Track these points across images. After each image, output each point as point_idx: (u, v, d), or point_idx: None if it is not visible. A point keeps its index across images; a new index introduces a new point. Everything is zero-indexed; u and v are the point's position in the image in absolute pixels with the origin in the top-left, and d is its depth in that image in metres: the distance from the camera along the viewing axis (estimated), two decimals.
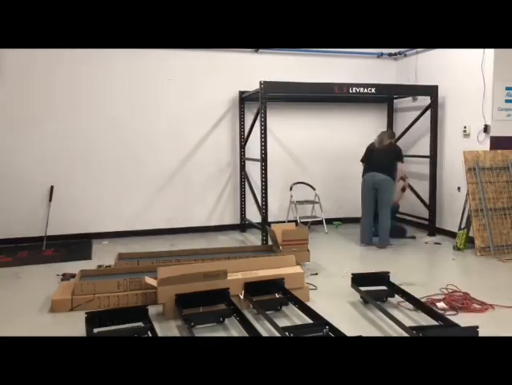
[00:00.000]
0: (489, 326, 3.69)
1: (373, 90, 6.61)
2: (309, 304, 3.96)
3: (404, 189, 6.87)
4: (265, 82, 6.20)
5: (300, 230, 5.46)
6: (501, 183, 6.07)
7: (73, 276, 4.82)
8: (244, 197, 7.46)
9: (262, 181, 6.35)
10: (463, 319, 3.79)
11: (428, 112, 6.97)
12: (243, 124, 7.35)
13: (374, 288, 4.29)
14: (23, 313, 4.05)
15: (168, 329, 3.72)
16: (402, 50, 7.74)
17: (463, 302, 4.09)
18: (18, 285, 4.90)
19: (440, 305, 4.03)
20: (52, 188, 6.65)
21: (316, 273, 5.04)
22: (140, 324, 3.58)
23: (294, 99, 7.42)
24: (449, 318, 3.81)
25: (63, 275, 4.97)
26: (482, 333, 3.41)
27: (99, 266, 5.14)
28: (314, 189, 7.45)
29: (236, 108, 7.35)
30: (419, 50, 7.37)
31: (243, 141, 7.35)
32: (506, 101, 6.13)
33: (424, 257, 5.84)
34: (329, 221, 7.48)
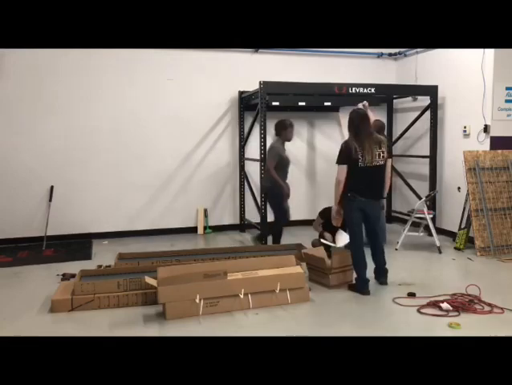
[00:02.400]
0: (490, 327, 3.70)
1: (373, 90, 6.61)
2: (309, 304, 3.95)
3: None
4: (264, 82, 6.20)
5: (346, 255, 4.74)
6: (501, 183, 6.06)
7: (73, 276, 4.82)
8: (243, 197, 7.45)
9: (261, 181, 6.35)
10: (464, 320, 3.80)
11: (428, 112, 6.96)
12: (243, 124, 7.35)
13: None
14: (23, 313, 4.05)
15: (169, 329, 3.72)
16: (402, 50, 7.74)
17: (465, 303, 4.08)
18: (18, 285, 4.89)
19: (444, 306, 4.02)
20: (52, 188, 6.64)
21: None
22: None
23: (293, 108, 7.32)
24: (451, 318, 3.82)
25: (63, 275, 4.97)
26: (483, 333, 3.42)
27: (99, 266, 5.14)
28: None
29: (235, 108, 7.35)
30: (419, 50, 7.36)
31: (243, 141, 7.35)
32: (506, 101, 6.13)
33: (424, 256, 5.83)
34: None
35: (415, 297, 4.33)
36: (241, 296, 4.04)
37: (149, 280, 4.05)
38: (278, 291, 4.16)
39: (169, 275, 3.97)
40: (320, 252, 4.83)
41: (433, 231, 6.04)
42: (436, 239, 5.99)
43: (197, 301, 3.92)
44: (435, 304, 4.09)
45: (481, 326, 3.70)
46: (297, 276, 4.28)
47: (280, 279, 4.20)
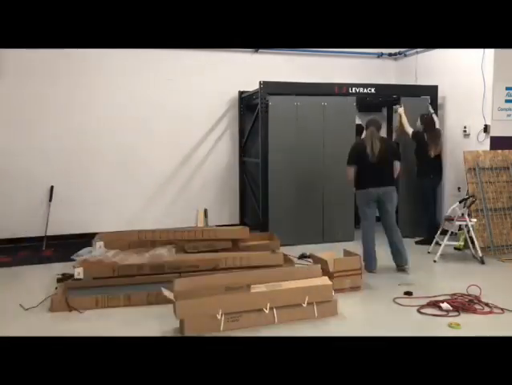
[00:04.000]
0: (490, 327, 3.71)
1: (373, 90, 6.61)
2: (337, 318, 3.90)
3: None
4: (264, 82, 6.20)
5: (352, 259, 4.67)
6: (501, 183, 6.06)
7: (72, 276, 4.84)
8: (243, 197, 7.46)
9: (261, 181, 6.35)
10: (464, 320, 3.80)
11: None
12: (243, 124, 7.35)
13: None
14: (23, 313, 4.04)
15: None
16: (402, 50, 7.74)
17: (464, 303, 4.09)
18: (17, 285, 4.89)
19: (444, 305, 4.03)
20: (52, 188, 6.65)
21: None
22: None
23: None
24: (451, 318, 3.82)
25: (63, 275, 4.96)
26: (483, 333, 3.42)
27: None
28: None
29: (236, 108, 7.35)
30: (419, 50, 7.36)
31: (243, 141, 7.35)
32: (506, 101, 6.13)
33: (424, 256, 5.83)
34: None
35: (411, 295, 4.35)
36: (266, 311, 3.72)
37: (166, 292, 3.75)
38: (305, 305, 3.84)
39: (187, 288, 3.69)
40: (328, 254, 4.76)
41: (475, 239, 5.58)
42: (478, 248, 5.53)
43: (219, 317, 3.58)
44: (435, 304, 4.10)
45: (481, 326, 3.71)
46: (325, 288, 3.98)
47: (307, 292, 3.88)
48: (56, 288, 4.51)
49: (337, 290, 4.38)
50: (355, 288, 4.54)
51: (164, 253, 4.90)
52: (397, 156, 5.25)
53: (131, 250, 5.09)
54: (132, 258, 4.80)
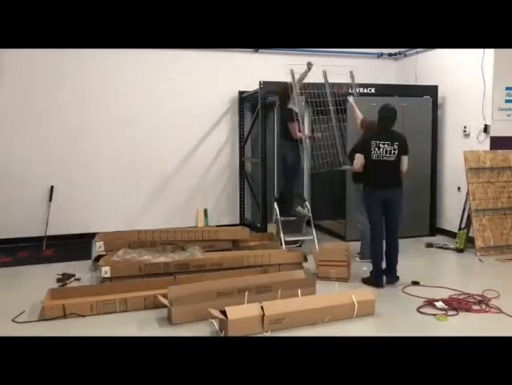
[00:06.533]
0: (488, 327, 3.71)
1: (373, 90, 6.61)
2: None
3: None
4: (264, 82, 6.20)
5: (337, 249, 4.83)
6: (501, 183, 6.07)
7: (72, 276, 4.85)
8: (243, 197, 7.46)
9: (261, 181, 6.35)
10: (463, 319, 3.80)
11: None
12: (243, 124, 7.35)
13: None
14: (23, 313, 4.04)
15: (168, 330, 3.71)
16: (402, 50, 7.74)
17: (461, 302, 4.10)
18: (17, 285, 4.89)
19: (439, 304, 4.04)
20: (52, 188, 6.64)
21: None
22: None
23: None
24: (451, 317, 3.82)
25: (62, 275, 4.97)
26: (480, 333, 3.42)
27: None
28: None
29: (236, 108, 7.35)
30: (419, 50, 7.36)
31: (243, 141, 7.36)
32: (506, 101, 6.13)
33: (424, 256, 5.83)
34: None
35: (419, 285, 4.58)
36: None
37: (161, 299, 3.85)
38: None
39: (181, 294, 3.76)
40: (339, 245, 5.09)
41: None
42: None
43: (215, 323, 3.57)
44: (431, 303, 4.12)
45: (477, 326, 3.72)
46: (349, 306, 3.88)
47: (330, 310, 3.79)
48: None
49: (322, 279, 4.61)
50: (340, 279, 4.66)
51: (198, 253, 5.01)
52: None
53: (153, 250, 5.12)
54: (157, 258, 4.83)
